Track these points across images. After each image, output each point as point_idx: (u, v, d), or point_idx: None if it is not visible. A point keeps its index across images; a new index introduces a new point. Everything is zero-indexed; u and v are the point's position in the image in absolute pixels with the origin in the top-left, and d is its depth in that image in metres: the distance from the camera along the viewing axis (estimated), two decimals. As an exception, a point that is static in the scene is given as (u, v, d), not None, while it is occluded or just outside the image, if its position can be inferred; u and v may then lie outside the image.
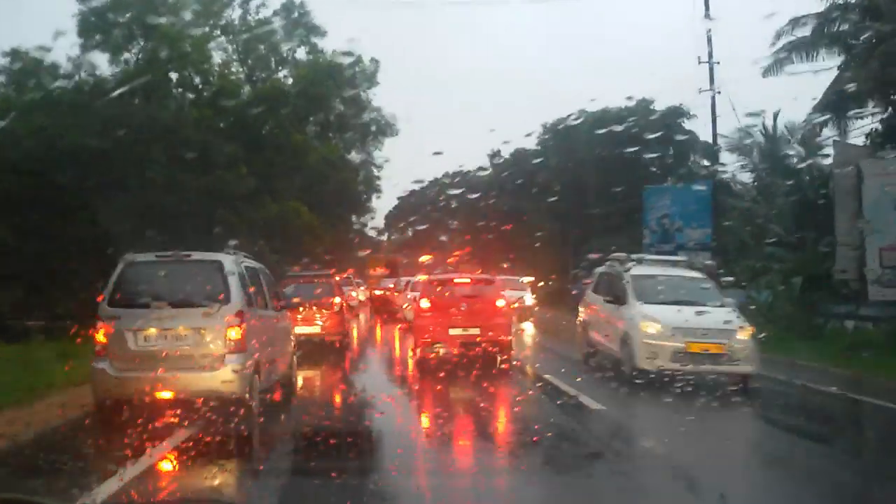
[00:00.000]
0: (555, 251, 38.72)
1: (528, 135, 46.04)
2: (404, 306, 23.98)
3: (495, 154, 50.09)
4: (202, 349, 8.40)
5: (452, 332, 14.39)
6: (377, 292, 34.95)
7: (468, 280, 16.02)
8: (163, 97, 26.05)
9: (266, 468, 7.23)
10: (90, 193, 19.12)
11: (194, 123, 24.49)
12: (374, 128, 32.61)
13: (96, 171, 19.68)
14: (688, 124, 35.96)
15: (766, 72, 23.21)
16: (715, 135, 25.78)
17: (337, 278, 21.96)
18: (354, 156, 33.79)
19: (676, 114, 35.45)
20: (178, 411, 8.11)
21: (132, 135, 21.18)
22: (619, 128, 30.12)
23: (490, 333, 14.26)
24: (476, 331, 14.36)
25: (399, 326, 24.26)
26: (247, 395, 8.42)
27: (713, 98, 25.22)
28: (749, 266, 25.91)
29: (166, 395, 8.27)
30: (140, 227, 19.46)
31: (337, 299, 18.29)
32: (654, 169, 36.31)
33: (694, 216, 29.46)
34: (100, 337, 8.47)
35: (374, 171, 35.78)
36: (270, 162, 27.99)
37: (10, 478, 6.64)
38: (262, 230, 26.01)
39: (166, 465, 7.03)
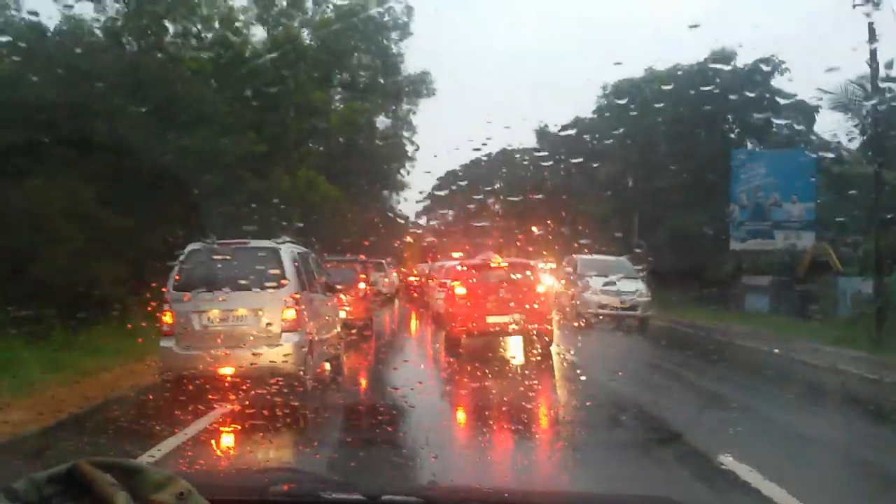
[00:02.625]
0: (616, 234, 33.67)
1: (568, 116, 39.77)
2: (434, 296, 20.46)
3: (543, 129, 44.88)
4: (260, 329, 9.04)
5: (491, 319, 13.55)
6: (411, 279, 31.71)
7: (505, 265, 14.93)
8: (154, 48, 21.72)
9: (318, 439, 7.57)
10: (41, 153, 14.98)
11: (188, 78, 20.08)
12: (407, 88, 27.78)
13: (55, 127, 15.46)
14: (778, 82, 30.32)
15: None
16: (875, 73, 18.72)
17: (363, 264, 20.80)
18: (385, 121, 28.95)
19: (763, 69, 29.83)
20: (238, 384, 8.72)
21: (105, 87, 16.94)
22: (705, 85, 24.70)
23: (530, 321, 13.38)
24: (516, 317, 13.42)
25: (430, 314, 22.01)
26: (301, 372, 9.01)
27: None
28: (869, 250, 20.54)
29: (227, 370, 8.88)
30: (104, 193, 15.32)
31: (361, 285, 18.10)
32: (733, 135, 30.91)
33: (795, 188, 24.30)
34: (166, 318, 9.11)
35: (407, 137, 30.53)
36: (283, 124, 23.58)
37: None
38: (272, 205, 21.55)
39: (222, 432, 7.52)
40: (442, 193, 54.54)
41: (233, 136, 19.77)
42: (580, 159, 35.22)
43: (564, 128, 40.11)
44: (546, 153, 41.36)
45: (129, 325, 12.63)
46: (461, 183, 53.60)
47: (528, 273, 14.30)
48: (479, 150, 48.93)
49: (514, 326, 13.31)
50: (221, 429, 7.55)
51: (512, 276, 14.11)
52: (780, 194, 24.78)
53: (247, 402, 8.39)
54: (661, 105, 29.64)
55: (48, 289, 13.05)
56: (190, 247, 9.45)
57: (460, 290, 14.12)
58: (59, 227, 14.30)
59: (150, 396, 9.28)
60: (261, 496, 1.76)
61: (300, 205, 23.03)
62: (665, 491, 4.96)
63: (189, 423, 7.38)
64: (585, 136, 37.39)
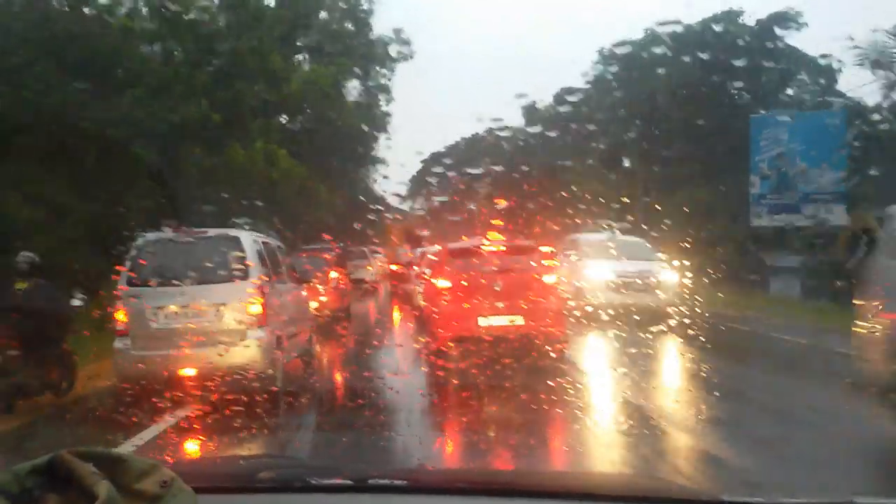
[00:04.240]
0: (616, 211, 30.68)
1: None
2: (416, 290, 17.73)
3: (531, 107, 41.78)
4: (223, 325, 8.37)
5: (484, 322, 10.21)
6: (393, 267, 29.17)
7: (502, 248, 11.16)
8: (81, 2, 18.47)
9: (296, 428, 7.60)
10: None
11: (115, 34, 16.86)
12: (380, 50, 24.43)
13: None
14: (793, 38, 27.28)
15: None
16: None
17: (338, 252, 20.26)
18: (357, 87, 25.57)
19: (776, 22, 26.75)
20: (203, 384, 8.04)
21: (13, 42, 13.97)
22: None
23: (538, 322, 10.15)
24: (517, 319, 10.22)
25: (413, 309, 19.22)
26: (270, 370, 8.39)
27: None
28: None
29: (189, 371, 8.24)
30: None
31: (334, 274, 17.27)
32: (745, 99, 27.87)
33: (824, 155, 21.35)
34: (120, 316, 8.44)
35: (382, 109, 26.96)
36: (239, 91, 20.37)
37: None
38: (226, 184, 18.48)
39: (187, 429, 7.26)
40: (427, 177, 51.66)
41: (171, 100, 16.63)
42: (575, 130, 32.19)
43: (558, 99, 37.01)
44: (536, 129, 38.45)
45: (95, 314, 10.66)
46: (447, 164, 50.66)
47: (534, 259, 11.03)
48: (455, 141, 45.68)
49: (516, 328, 10.13)
50: (184, 432, 7.23)
51: (512, 263, 10.83)
52: (806, 162, 21.85)
53: (213, 400, 7.78)
54: (664, 70, 26.72)
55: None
56: (143, 236, 8.76)
57: (442, 284, 10.82)
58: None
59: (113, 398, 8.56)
60: (247, 483, 1.73)
61: (259, 184, 19.89)
62: None
63: (146, 427, 7.08)
64: (582, 108, 34.29)
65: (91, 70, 15.16)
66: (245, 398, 7.66)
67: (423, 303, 13.59)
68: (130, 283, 8.49)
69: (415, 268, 18.99)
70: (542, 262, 10.93)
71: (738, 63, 25.78)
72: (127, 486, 1.15)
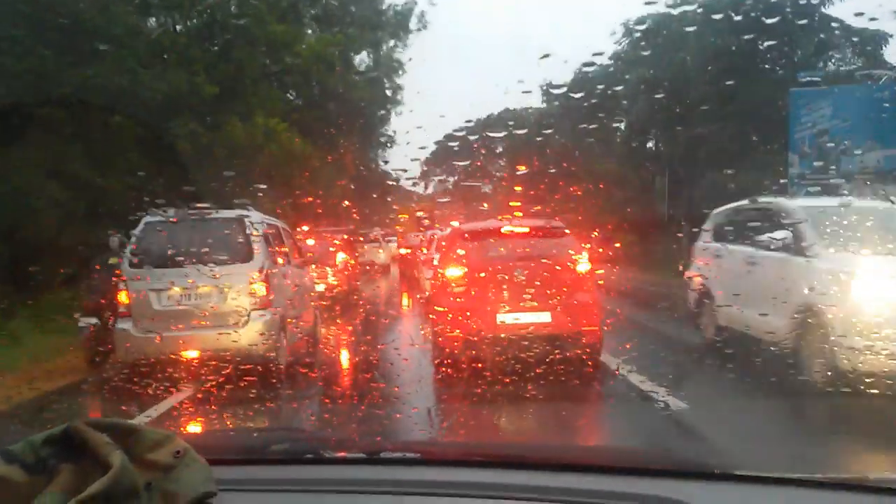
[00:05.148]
0: (640, 197, 29.16)
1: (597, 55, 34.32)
2: (425, 276, 16.20)
3: (549, 85, 40.09)
4: (227, 307, 8.36)
5: (503, 319, 8.46)
6: (402, 251, 28.10)
7: (525, 230, 9.42)
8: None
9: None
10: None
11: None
12: (390, 18, 22.80)
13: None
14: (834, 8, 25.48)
15: None
16: None
17: (347, 234, 19.58)
18: (366, 60, 23.99)
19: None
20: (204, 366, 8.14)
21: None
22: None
23: (568, 320, 8.44)
24: (544, 316, 8.44)
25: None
26: (274, 353, 8.37)
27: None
28: None
29: (192, 353, 8.26)
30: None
31: (342, 256, 17.17)
32: (781, 71, 26.13)
33: (870, 131, 19.68)
34: (122, 297, 8.40)
35: (396, 76, 25.19)
36: (239, 62, 19.04)
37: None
38: (224, 161, 17.18)
39: (189, 409, 7.33)
40: (441, 157, 50.37)
41: (161, 69, 15.26)
42: (595, 108, 30.62)
43: (577, 76, 35.33)
44: (554, 106, 36.92)
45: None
46: (462, 144, 49.25)
47: (565, 243, 9.21)
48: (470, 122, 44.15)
49: (545, 327, 8.37)
50: (186, 411, 7.24)
51: (537, 247, 9.08)
52: (851, 139, 20.19)
53: (215, 381, 7.86)
54: (694, 41, 25.03)
55: (39, 254, 12.06)
56: (146, 217, 8.66)
57: (454, 272, 9.05)
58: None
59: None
60: (260, 455, 1.72)
61: (260, 161, 18.53)
62: None
63: (161, 400, 7.22)
64: (600, 86, 32.63)
65: (69, 34, 13.81)
66: (248, 379, 7.67)
67: (430, 292, 11.75)
68: (133, 264, 8.45)
69: (423, 251, 17.55)
70: (573, 247, 9.07)
71: (775, 32, 24.11)
72: (140, 456, 1.16)
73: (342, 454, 1.76)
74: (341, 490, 1.56)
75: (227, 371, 7.94)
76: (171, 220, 8.72)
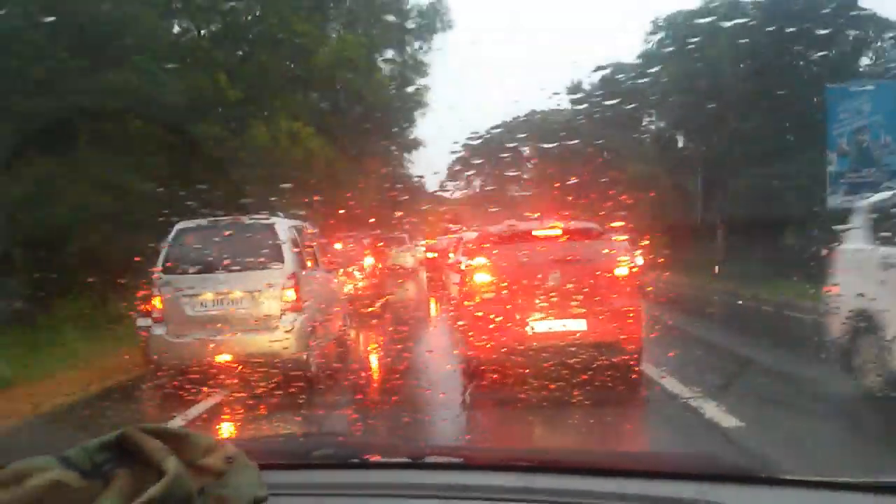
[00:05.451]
0: (673, 199, 28.49)
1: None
2: (451, 281, 15.47)
3: (576, 86, 39.59)
4: (258, 311, 8.52)
5: (535, 327, 7.89)
6: (430, 255, 27.86)
7: (558, 231, 8.75)
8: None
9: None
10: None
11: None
12: (415, 14, 22.49)
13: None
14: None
15: None
16: None
17: (375, 239, 20.17)
18: (392, 62, 23.60)
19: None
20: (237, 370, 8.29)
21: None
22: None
23: (606, 329, 7.85)
24: (579, 324, 7.87)
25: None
26: (305, 356, 8.52)
27: None
28: None
29: (225, 357, 8.43)
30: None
31: (370, 261, 17.46)
32: (809, 67, 25.39)
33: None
34: (155, 303, 8.61)
35: (421, 78, 24.67)
36: (263, 66, 18.88)
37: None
38: (244, 165, 17.00)
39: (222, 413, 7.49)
40: (468, 160, 49.97)
41: (181, 71, 15.10)
42: (624, 105, 30.05)
43: (606, 76, 34.86)
44: (582, 106, 36.38)
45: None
46: (489, 145, 48.96)
47: (601, 245, 8.68)
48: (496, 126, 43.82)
49: (582, 336, 7.83)
50: (220, 415, 7.38)
51: (572, 250, 8.44)
52: (892, 136, 19.48)
53: (248, 385, 8.09)
54: (726, 37, 24.41)
55: (90, 262, 12.58)
56: (178, 225, 8.87)
57: (482, 277, 8.53)
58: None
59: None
60: (305, 460, 1.74)
61: (284, 165, 18.31)
62: None
63: (193, 404, 7.34)
64: (626, 83, 32.08)
65: (89, 38, 13.67)
66: (280, 382, 7.83)
67: (457, 298, 11.19)
68: (166, 270, 8.61)
69: (450, 255, 17.18)
70: (610, 249, 8.51)
71: (811, 28, 23.44)
72: (193, 461, 1.18)
73: (387, 459, 1.78)
74: (387, 494, 1.58)
75: (259, 375, 8.09)
76: (201, 226, 8.90)
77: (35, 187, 12.47)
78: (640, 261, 17.78)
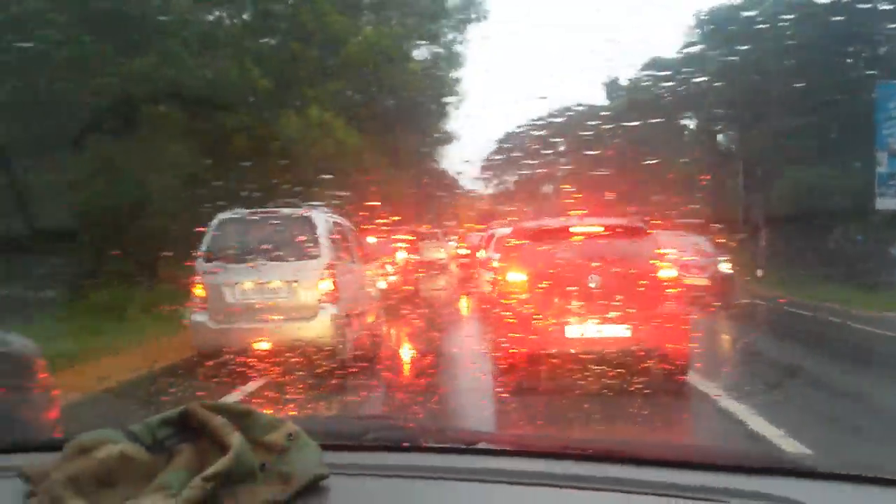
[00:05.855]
0: (713, 198, 27.73)
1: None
2: (483, 279, 15.15)
3: (613, 83, 38.91)
4: (297, 301, 8.75)
5: (572, 332, 7.35)
6: (461, 250, 27.58)
7: (600, 229, 8.21)
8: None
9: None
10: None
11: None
12: (448, 7, 22.02)
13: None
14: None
15: None
16: None
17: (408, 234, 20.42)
18: (425, 53, 23.17)
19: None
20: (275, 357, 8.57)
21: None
22: None
23: (650, 336, 7.28)
24: (621, 330, 7.30)
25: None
26: (340, 345, 8.72)
27: None
28: None
29: (264, 345, 8.68)
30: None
31: (402, 255, 17.46)
32: (857, 65, 24.48)
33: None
34: (198, 291, 8.87)
35: (454, 70, 24.11)
36: (294, 55, 18.65)
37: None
38: (273, 155, 16.76)
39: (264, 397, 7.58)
40: (503, 154, 49.66)
41: (209, 57, 14.88)
42: (664, 105, 29.36)
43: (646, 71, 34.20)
44: (620, 102, 35.75)
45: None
46: (524, 141, 48.46)
47: (646, 245, 8.02)
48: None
49: (624, 342, 7.31)
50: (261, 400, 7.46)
51: (614, 250, 7.85)
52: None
53: (286, 371, 8.26)
54: (770, 34, 23.64)
55: (150, 243, 13.12)
56: (219, 216, 9.18)
57: (516, 277, 7.95)
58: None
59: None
60: (360, 442, 1.75)
61: (315, 157, 18.04)
62: None
63: (232, 389, 7.57)
64: (667, 82, 31.39)
65: (117, 23, 13.48)
66: (317, 370, 8.11)
67: (489, 298, 11.01)
68: (208, 259, 8.87)
69: (482, 252, 16.69)
70: (655, 249, 7.88)
71: (861, 23, 22.58)
72: (255, 438, 1.22)
73: (440, 444, 1.79)
74: (441, 477, 1.61)
75: (298, 363, 8.36)
76: (241, 218, 9.16)
77: (100, 165, 12.72)
78: (725, 268, 16.01)
